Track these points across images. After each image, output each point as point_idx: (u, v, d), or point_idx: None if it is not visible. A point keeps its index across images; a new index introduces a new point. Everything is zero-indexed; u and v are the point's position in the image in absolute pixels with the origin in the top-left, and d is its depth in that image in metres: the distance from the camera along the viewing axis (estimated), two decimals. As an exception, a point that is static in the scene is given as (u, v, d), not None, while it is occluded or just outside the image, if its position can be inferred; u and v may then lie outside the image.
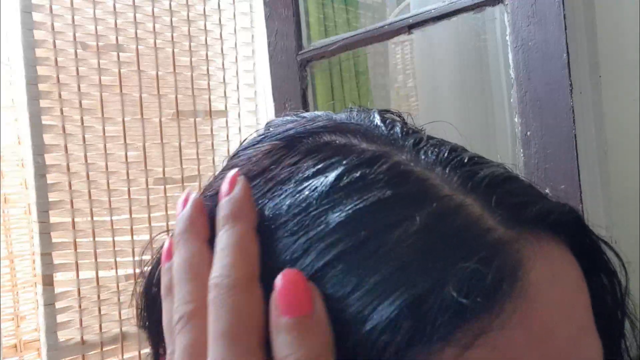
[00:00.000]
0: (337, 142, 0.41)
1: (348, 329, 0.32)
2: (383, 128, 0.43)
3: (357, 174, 0.37)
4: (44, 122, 2.00)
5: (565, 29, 1.18)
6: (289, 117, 0.48)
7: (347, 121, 0.45)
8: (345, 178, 0.37)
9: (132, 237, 2.14)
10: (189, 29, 2.31)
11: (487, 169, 0.39)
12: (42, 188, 1.98)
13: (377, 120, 0.44)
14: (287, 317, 0.32)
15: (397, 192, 0.36)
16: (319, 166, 0.39)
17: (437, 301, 0.31)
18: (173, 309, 0.37)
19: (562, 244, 0.38)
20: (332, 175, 0.37)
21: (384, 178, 0.36)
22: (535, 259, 0.35)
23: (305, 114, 0.48)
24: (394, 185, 0.36)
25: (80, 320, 2.04)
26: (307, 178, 0.38)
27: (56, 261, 2.00)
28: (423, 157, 0.39)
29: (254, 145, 0.45)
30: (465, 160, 0.39)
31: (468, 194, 0.36)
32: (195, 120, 2.32)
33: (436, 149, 0.40)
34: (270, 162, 0.41)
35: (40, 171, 1.98)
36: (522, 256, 0.34)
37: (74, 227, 2.03)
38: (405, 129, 0.43)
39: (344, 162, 0.38)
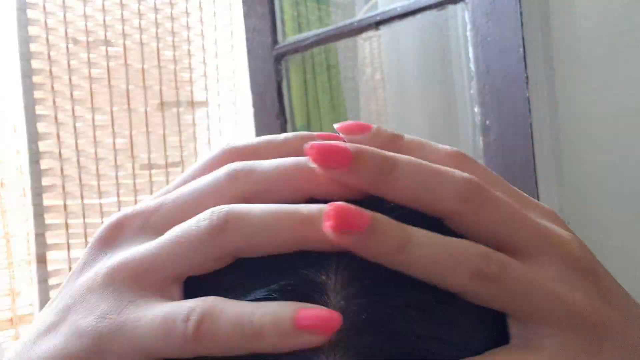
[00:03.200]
0: None
1: None
2: None
3: None
4: (37, 112, 2.01)
5: (522, 26, 1.17)
6: None
7: None
8: None
9: (119, 219, 2.11)
10: (172, 26, 2.31)
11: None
12: (36, 173, 1.98)
13: None
14: None
15: None
16: None
17: None
18: None
19: None
20: None
21: None
22: None
23: None
24: None
25: (72, 296, 2.01)
26: None
27: (49, 241, 2.01)
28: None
29: None
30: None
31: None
32: (178, 110, 2.32)
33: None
34: None
35: (35, 157, 1.98)
36: None
37: (65, 209, 2.03)
38: None
39: None
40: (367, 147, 0.28)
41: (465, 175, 0.28)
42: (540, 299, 0.27)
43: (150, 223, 0.30)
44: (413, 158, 0.28)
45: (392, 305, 0.27)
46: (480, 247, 0.27)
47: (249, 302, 0.26)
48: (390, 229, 0.26)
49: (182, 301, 0.27)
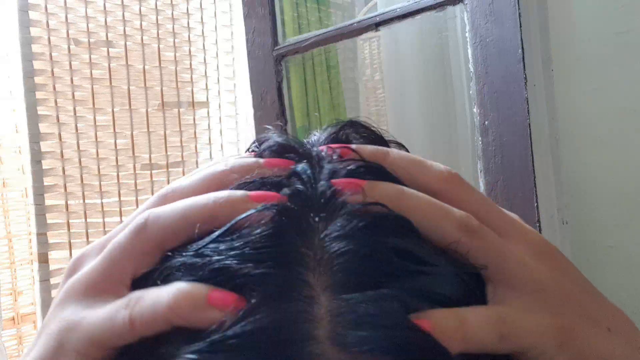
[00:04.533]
0: None
1: None
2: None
3: None
4: (39, 112, 2.00)
5: (520, 27, 1.17)
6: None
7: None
8: None
9: (120, 219, 2.14)
10: (173, 27, 2.31)
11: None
12: (38, 173, 1.97)
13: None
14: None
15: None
16: None
17: None
18: None
19: None
20: None
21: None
22: None
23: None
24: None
25: (74, 295, 2.01)
26: None
27: (51, 240, 2.00)
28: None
29: None
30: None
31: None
32: (179, 111, 2.32)
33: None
34: None
35: (36, 157, 1.97)
36: None
37: (67, 209, 2.03)
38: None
39: None
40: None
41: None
42: (511, 263, 0.32)
43: (100, 249, 0.34)
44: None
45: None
46: (463, 211, 0.33)
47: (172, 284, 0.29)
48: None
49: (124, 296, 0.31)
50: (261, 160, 0.35)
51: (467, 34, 1.27)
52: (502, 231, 0.33)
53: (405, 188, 0.33)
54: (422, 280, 0.29)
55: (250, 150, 0.40)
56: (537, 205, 1.13)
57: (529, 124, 1.16)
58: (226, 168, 0.35)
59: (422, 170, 0.35)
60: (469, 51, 1.27)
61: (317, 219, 0.30)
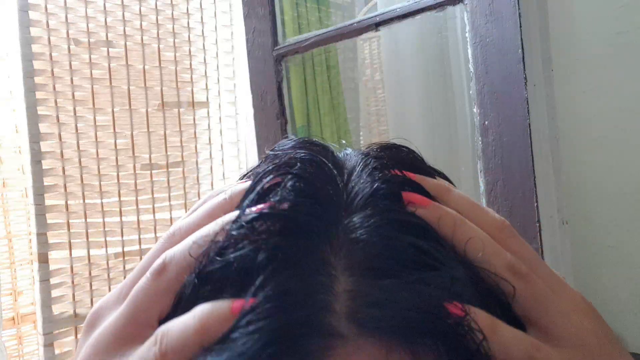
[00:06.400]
0: None
1: None
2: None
3: None
4: (39, 112, 2.00)
5: (520, 27, 1.17)
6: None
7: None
8: None
9: (120, 218, 2.14)
10: (173, 27, 2.31)
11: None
12: (38, 173, 1.97)
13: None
14: None
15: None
16: None
17: None
18: None
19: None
20: None
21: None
22: None
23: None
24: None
25: (73, 295, 2.02)
26: None
27: (51, 240, 2.00)
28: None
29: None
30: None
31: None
32: (179, 111, 2.32)
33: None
34: None
35: (36, 157, 1.97)
36: None
37: (67, 209, 2.02)
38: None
39: None
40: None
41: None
42: (557, 314, 0.33)
43: (119, 299, 0.36)
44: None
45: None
46: (514, 256, 0.34)
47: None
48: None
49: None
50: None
51: (467, 34, 1.27)
52: (549, 284, 0.34)
53: (467, 221, 0.34)
54: (437, 275, 0.30)
55: (247, 176, 0.41)
56: (537, 205, 1.13)
57: (529, 124, 1.16)
58: (227, 198, 0.36)
59: (479, 214, 0.36)
60: (469, 51, 1.27)
61: (342, 213, 0.32)
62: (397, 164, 0.37)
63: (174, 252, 0.34)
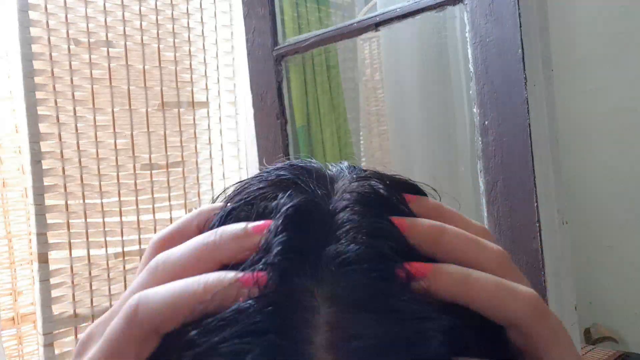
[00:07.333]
0: None
1: None
2: None
3: None
4: (39, 112, 1.99)
5: (520, 27, 1.17)
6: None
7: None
8: None
9: (120, 218, 2.14)
10: (173, 27, 2.31)
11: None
12: (38, 173, 1.97)
13: None
14: None
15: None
16: None
17: None
18: None
19: None
20: None
21: None
22: None
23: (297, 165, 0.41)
24: None
25: (73, 295, 2.02)
26: None
27: (51, 240, 1.99)
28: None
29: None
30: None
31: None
32: (179, 111, 2.32)
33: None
34: None
35: (36, 157, 1.97)
36: None
37: (67, 209, 2.02)
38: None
39: None
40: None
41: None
42: (567, 347, 0.33)
43: (102, 328, 0.34)
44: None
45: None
46: (530, 290, 0.33)
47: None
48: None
49: None
50: (249, 228, 0.34)
51: (466, 34, 1.27)
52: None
53: (470, 271, 0.33)
54: (422, 310, 0.29)
55: (230, 198, 0.40)
56: (537, 205, 1.13)
57: (529, 124, 1.15)
58: (216, 238, 0.34)
59: (477, 253, 0.35)
60: (469, 51, 1.27)
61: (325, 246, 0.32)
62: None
63: (149, 298, 0.32)
